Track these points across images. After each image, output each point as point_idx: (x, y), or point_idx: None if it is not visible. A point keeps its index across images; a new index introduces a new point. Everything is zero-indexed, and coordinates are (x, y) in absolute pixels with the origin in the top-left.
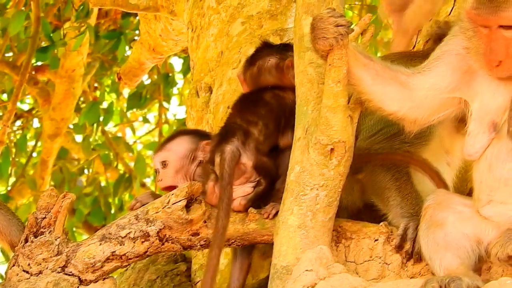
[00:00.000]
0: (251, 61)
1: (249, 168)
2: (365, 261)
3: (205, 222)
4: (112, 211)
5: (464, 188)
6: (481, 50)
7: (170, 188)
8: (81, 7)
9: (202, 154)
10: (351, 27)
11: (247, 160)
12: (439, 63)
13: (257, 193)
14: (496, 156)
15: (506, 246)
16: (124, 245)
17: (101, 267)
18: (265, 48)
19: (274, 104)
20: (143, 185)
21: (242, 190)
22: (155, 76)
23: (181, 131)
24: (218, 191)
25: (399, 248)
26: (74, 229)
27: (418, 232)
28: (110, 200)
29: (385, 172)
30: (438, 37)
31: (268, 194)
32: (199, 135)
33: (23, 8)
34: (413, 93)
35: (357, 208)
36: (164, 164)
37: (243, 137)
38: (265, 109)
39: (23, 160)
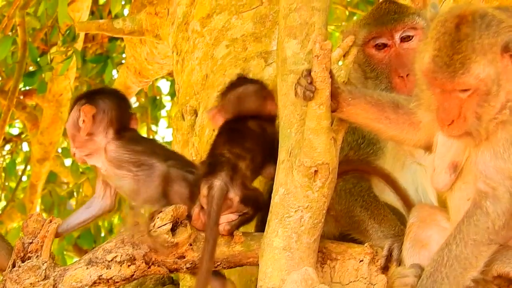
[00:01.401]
0: (228, 90)
1: (236, 203)
2: (351, 281)
3: (190, 245)
4: (102, 234)
5: None
6: (433, 107)
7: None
8: (68, 31)
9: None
10: (333, 52)
11: (234, 195)
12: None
13: (242, 220)
14: (466, 191)
15: (491, 267)
16: (110, 268)
17: None
18: (242, 79)
19: (259, 135)
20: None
21: (227, 217)
22: (143, 99)
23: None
24: (203, 218)
25: (384, 269)
26: (64, 252)
27: (403, 252)
28: (100, 223)
29: (353, 206)
30: None
31: (253, 218)
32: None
33: (10, 33)
34: (421, 130)
35: (333, 235)
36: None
37: (231, 172)
38: (252, 141)
39: (13, 184)
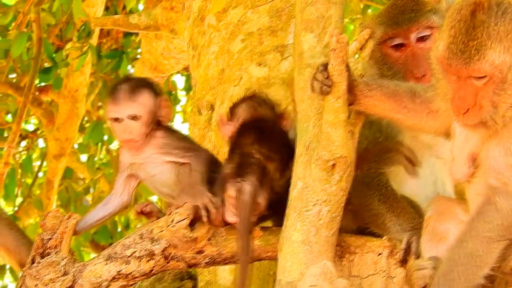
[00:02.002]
0: (242, 101)
1: (262, 207)
2: (369, 275)
3: (209, 240)
4: (119, 229)
5: None
6: (449, 95)
7: (131, 141)
8: (83, 27)
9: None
10: (350, 45)
11: (262, 200)
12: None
13: (264, 219)
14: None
15: (510, 259)
16: (129, 264)
17: (108, 286)
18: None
19: (283, 135)
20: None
21: None
22: None
23: (140, 82)
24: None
25: (403, 262)
26: (81, 248)
27: (421, 245)
28: (116, 218)
29: (371, 199)
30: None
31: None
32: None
33: (25, 30)
34: (439, 118)
35: (351, 229)
36: (135, 117)
37: (260, 175)
38: (278, 141)
39: (29, 181)
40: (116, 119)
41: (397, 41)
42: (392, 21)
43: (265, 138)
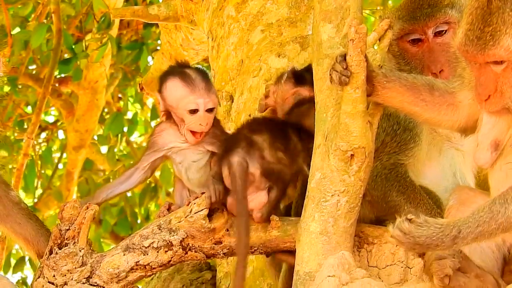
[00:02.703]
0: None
1: (258, 177)
2: (388, 265)
3: (227, 230)
4: (139, 221)
5: None
6: (472, 83)
7: (202, 132)
8: (103, 18)
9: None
10: (369, 36)
11: (255, 169)
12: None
13: (272, 202)
14: (506, 171)
15: None
16: (147, 255)
17: (126, 277)
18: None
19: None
20: (168, 194)
21: (257, 201)
22: None
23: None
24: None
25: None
26: (101, 239)
27: None
28: (136, 210)
29: (389, 191)
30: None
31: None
32: None
33: (44, 21)
34: (459, 111)
35: (369, 220)
36: (212, 110)
37: (247, 146)
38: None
39: (49, 172)
40: (194, 111)
41: (414, 36)
42: (410, 16)
43: (255, 121)
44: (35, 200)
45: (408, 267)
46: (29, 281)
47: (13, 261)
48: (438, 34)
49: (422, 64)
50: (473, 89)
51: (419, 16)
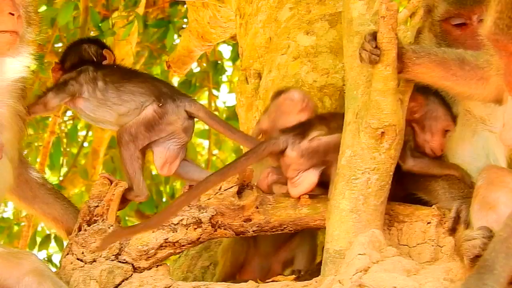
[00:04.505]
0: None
1: (295, 159)
2: (418, 244)
3: (257, 208)
4: (164, 199)
5: None
6: (501, 70)
7: None
8: None
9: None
10: (400, 13)
11: (292, 151)
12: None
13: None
14: None
15: None
16: (177, 232)
17: (155, 254)
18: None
19: None
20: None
21: (306, 183)
22: (204, 64)
23: None
24: (269, 180)
25: (452, 230)
26: (126, 218)
27: (471, 214)
28: (162, 188)
29: None
30: (428, 9)
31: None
32: None
33: None
34: (489, 85)
35: (398, 197)
36: None
37: (294, 131)
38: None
39: (75, 150)
40: None
41: (459, 20)
42: (456, 1)
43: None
44: (61, 178)
45: (439, 246)
46: (54, 259)
47: (38, 239)
48: (483, 21)
49: (464, 48)
50: (500, 75)
51: (466, 1)
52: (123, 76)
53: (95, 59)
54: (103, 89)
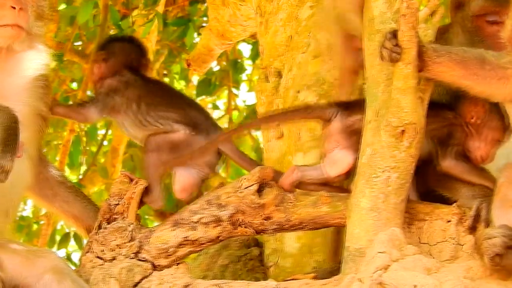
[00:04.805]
0: None
1: (337, 131)
2: (438, 242)
3: (277, 206)
4: None
5: None
6: None
7: None
8: None
9: None
10: (420, 11)
11: (337, 122)
12: None
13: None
14: None
15: None
16: (196, 230)
17: (174, 252)
18: None
19: None
20: None
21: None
22: (224, 63)
23: None
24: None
25: (472, 229)
26: (146, 216)
27: (492, 212)
28: None
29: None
30: (458, 4)
31: None
32: None
33: None
34: (510, 85)
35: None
36: None
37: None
38: None
39: (94, 149)
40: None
41: (494, 18)
42: None
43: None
44: (80, 177)
45: (460, 244)
46: (73, 257)
47: (57, 238)
48: None
49: (497, 45)
50: None
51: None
52: (163, 98)
53: (135, 66)
54: (143, 110)
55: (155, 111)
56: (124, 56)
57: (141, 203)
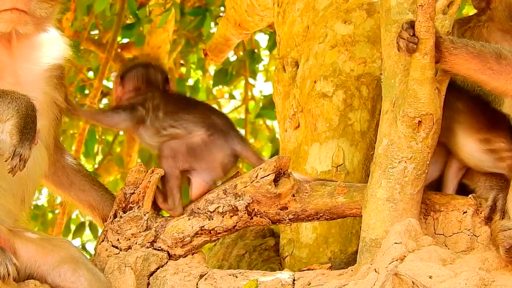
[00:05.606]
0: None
1: None
2: (454, 233)
3: (293, 196)
4: None
5: None
6: None
7: None
8: None
9: None
10: (437, 2)
11: None
12: None
13: None
14: None
15: None
16: (212, 219)
17: (190, 241)
18: None
19: None
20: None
21: None
22: (241, 53)
23: None
24: None
25: (488, 219)
26: None
27: (507, 203)
28: None
29: None
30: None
31: None
32: None
33: None
34: None
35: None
36: None
37: None
38: None
39: (110, 138)
40: None
41: None
42: None
43: None
44: (96, 166)
45: (475, 235)
46: (88, 247)
47: (72, 227)
48: None
49: None
50: None
51: None
52: (181, 104)
53: (160, 86)
54: (162, 119)
55: (173, 117)
56: (143, 77)
57: (156, 209)
